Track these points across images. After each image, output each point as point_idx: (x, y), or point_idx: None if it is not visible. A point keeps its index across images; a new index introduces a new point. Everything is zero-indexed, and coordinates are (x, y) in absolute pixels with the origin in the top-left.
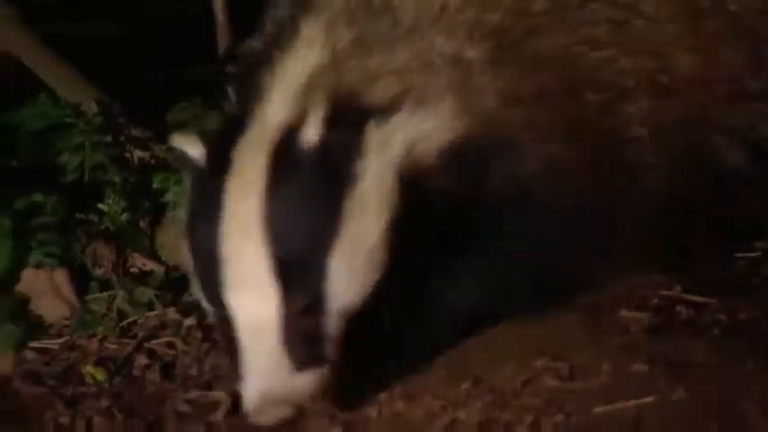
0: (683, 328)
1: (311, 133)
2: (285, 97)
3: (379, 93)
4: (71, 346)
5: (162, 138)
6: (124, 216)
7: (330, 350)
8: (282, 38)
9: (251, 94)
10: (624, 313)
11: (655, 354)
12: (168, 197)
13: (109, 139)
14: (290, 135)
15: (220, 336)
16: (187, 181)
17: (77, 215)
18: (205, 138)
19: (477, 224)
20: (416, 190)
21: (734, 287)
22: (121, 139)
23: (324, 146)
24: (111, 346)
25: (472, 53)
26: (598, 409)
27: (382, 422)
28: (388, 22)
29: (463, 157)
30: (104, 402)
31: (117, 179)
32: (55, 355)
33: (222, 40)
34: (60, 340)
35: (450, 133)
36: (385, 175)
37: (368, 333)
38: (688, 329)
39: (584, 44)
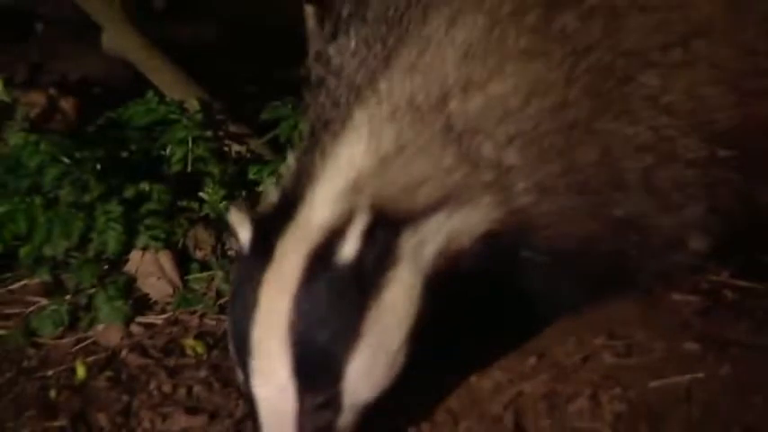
0: (729, 310)
1: (349, 247)
2: (331, 195)
3: (421, 198)
4: (174, 322)
5: (257, 133)
6: (222, 204)
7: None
8: (334, 123)
9: (302, 174)
10: (676, 296)
11: (704, 333)
12: (262, 187)
13: (209, 134)
14: (330, 240)
15: (247, 405)
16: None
17: (180, 203)
18: (256, 216)
19: (504, 298)
20: (445, 279)
21: None
22: (220, 134)
23: (359, 256)
24: (209, 322)
25: (513, 158)
26: (652, 384)
27: (456, 394)
28: (439, 126)
29: (495, 242)
30: (203, 373)
31: (216, 170)
32: (159, 329)
33: (313, 44)
34: (164, 316)
35: (485, 226)
36: (413, 283)
37: (380, 420)
38: (734, 311)
39: (620, 121)
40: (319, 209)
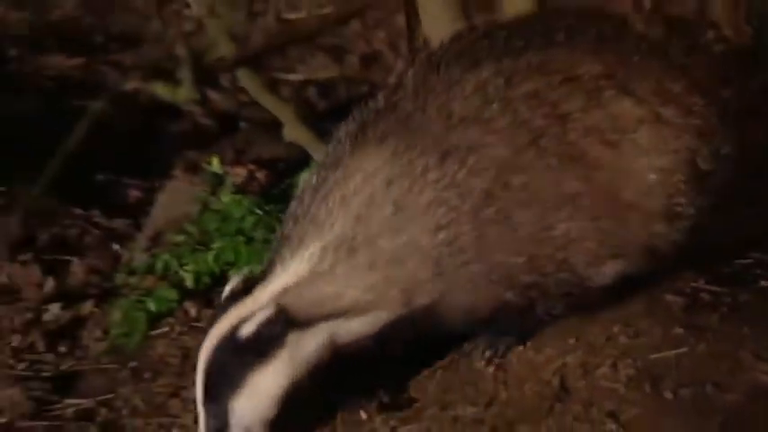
0: (705, 307)
1: (248, 326)
2: (257, 302)
3: (324, 309)
4: None
5: None
6: None
7: None
8: (284, 254)
9: (249, 290)
10: (668, 297)
11: (688, 322)
12: None
13: None
14: (247, 319)
15: None
16: None
17: None
18: (227, 296)
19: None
20: (343, 355)
21: (736, 281)
22: None
23: (257, 334)
24: None
25: (420, 275)
26: (653, 356)
27: (519, 365)
28: (347, 266)
29: (398, 323)
30: None
31: None
32: None
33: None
34: None
35: (387, 321)
36: (286, 364)
37: None
38: (708, 307)
39: (505, 253)
40: (257, 300)
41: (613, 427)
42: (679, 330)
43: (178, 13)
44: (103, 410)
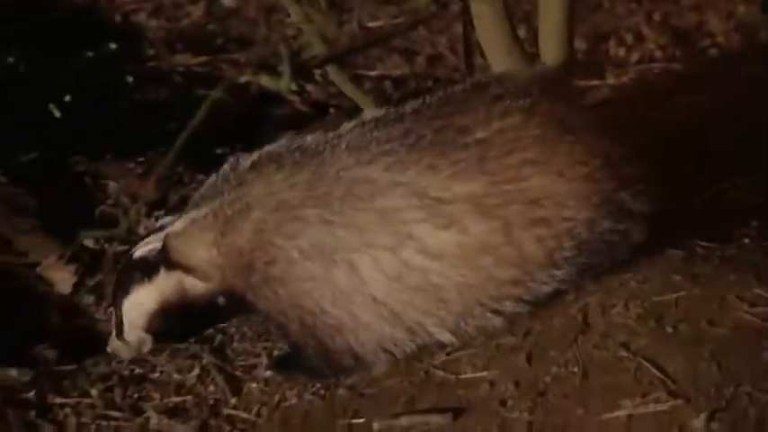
0: (699, 258)
1: (139, 251)
2: (158, 237)
3: (183, 258)
4: None
5: None
6: None
7: (129, 335)
8: (205, 202)
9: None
10: (670, 251)
11: (685, 271)
12: None
13: None
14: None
15: None
16: None
17: None
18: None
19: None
20: (175, 297)
21: (724, 238)
22: None
23: (145, 258)
24: None
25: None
26: (655, 299)
27: (550, 304)
28: (210, 237)
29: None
30: None
31: None
32: None
33: None
34: None
35: (209, 290)
36: (154, 289)
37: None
38: (702, 259)
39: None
40: (159, 235)
41: (625, 354)
42: (678, 278)
43: (281, 21)
44: (219, 336)
